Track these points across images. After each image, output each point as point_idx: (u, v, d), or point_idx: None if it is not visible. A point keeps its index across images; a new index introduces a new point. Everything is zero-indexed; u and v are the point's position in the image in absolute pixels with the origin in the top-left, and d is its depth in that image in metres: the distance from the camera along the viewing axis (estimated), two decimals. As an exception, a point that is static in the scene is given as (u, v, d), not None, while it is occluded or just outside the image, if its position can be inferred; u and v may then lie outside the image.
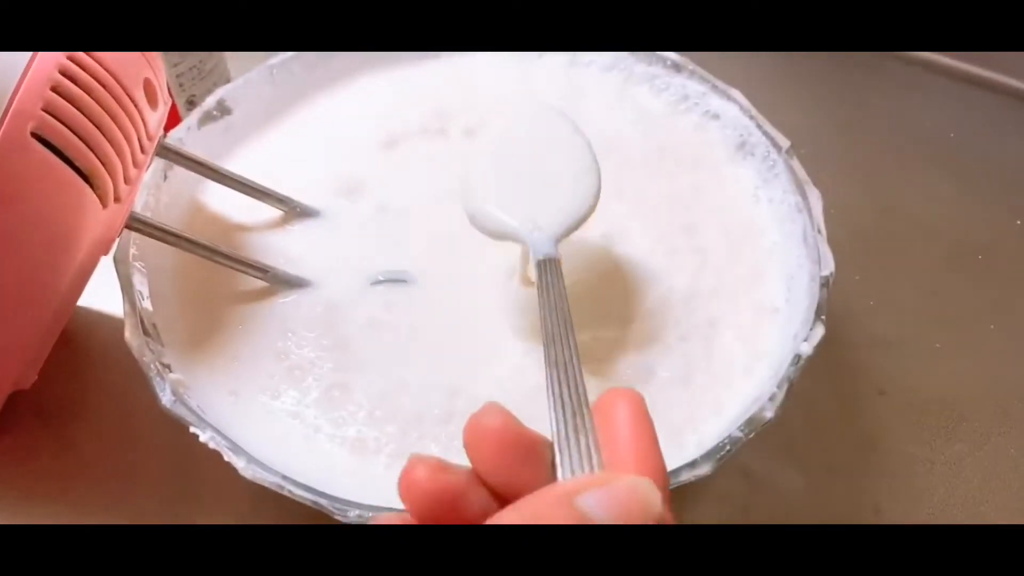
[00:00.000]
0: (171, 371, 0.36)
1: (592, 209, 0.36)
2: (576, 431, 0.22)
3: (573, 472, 0.21)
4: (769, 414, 0.33)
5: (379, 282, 0.41)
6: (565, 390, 0.24)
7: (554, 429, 0.22)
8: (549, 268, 0.32)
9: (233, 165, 0.44)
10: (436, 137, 0.46)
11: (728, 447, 0.32)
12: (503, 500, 0.21)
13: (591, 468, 0.21)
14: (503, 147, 0.37)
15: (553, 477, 0.21)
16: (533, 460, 0.21)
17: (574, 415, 0.23)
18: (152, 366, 0.35)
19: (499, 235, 0.35)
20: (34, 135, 0.30)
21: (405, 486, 0.21)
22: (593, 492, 0.19)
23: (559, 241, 0.34)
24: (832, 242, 0.38)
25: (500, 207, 0.35)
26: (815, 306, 0.36)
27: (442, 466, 0.21)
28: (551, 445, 0.22)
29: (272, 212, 0.43)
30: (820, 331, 0.35)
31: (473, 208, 0.36)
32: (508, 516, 0.19)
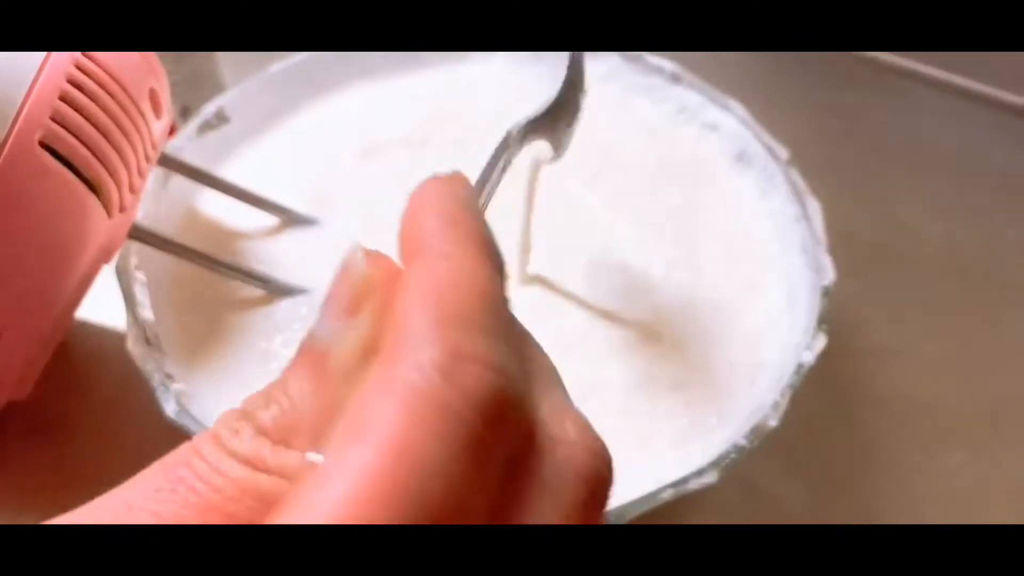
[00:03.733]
0: (174, 381, 0.35)
1: None
2: None
3: None
4: (773, 423, 0.34)
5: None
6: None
7: None
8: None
9: (230, 172, 0.44)
10: (432, 146, 0.47)
11: (734, 455, 0.33)
12: None
13: None
14: None
15: None
16: None
17: None
18: (155, 376, 0.35)
19: None
20: (42, 144, 0.30)
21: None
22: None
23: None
24: (830, 253, 0.39)
25: None
26: (816, 315, 0.36)
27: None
28: None
29: (269, 219, 0.43)
30: (822, 340, 0.36)
31: None
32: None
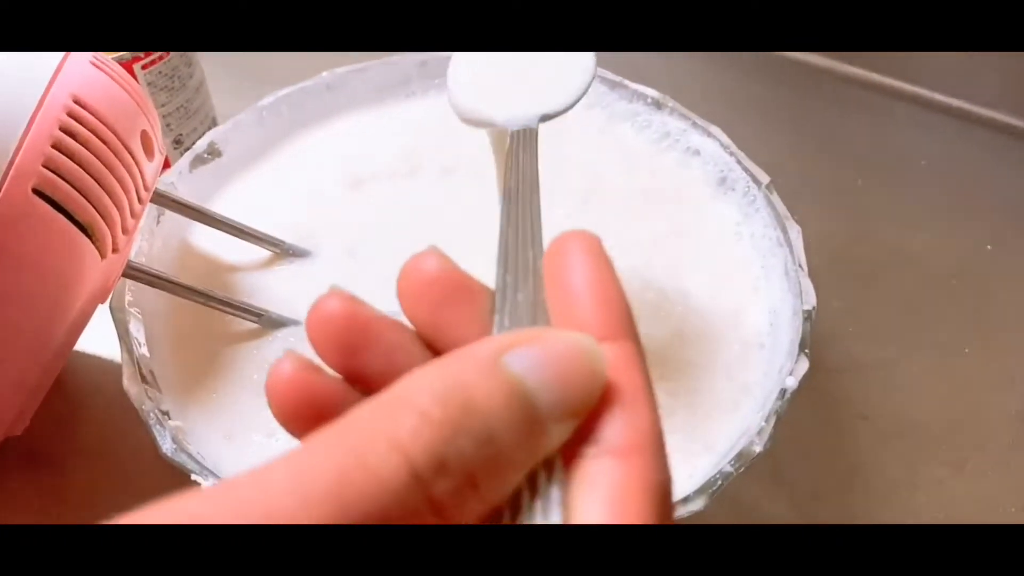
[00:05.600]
0: (169, 418, 0.36)
1: (582, 89, 0.34)
2: (520, 279, 0.19)
3: (510, 325, 0.18)
4: (758, 448, 0.34)
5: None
6: (515, 239, 0.21)
7: (497, 277, 0.20)
8: (524, 137, 0.29)
9: (222, 205, 0.45)
10: (419, 176, 0.47)
11: (720, 482, 0.33)
12: (436, 354, 0.19)
13: (532, 321, 0.18)
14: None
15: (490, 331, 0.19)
16: (470, 308, 0.19)
17: (520, 262, 0.20)
18: (152, 414, 0.35)
19: (480, 116, 0.34)
20: (35, 191, 0.31)
21: (272, 381, 0.19)
22: (523, 350, 0.17)
23: (542, 120, 0.32)
24: (812, 271, 0.39)
25: (481, 89, 0.34)
26: (799, 340, 0.37)
27: (313, 366, 0.19)
28: (493, 295, 0.19)
29: (263, 252, 0.44)
30: (804, 364, 0.36)
31: (455, 91, 0.35)
32: (423, 379, 0.16)
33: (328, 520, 0.14)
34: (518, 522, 0.16)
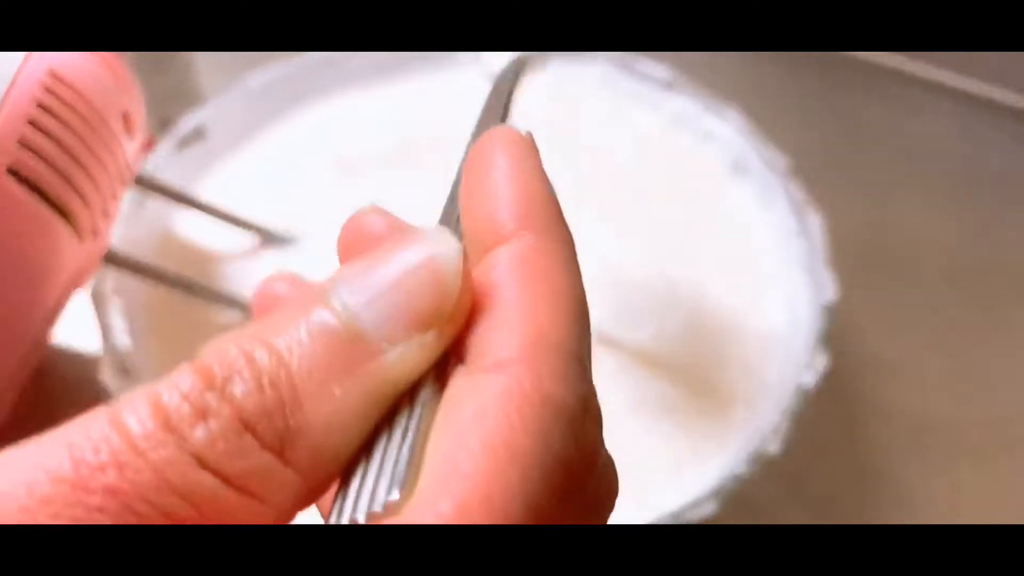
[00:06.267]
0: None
1: None
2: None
3: None
4: (774, 448, 0.33)
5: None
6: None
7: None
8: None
9: (208, 189, 0.43)
10: (411, 161, 0.45)
11: (732, 484, 0.32)
12: None
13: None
14: None
15: None
16: None
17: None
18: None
19: None
20: (9, 171, 0.29)
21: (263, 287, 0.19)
22: (356, 273, 0.14)
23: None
24: (831, 263, 0.38)
25: None
26: (817, 334, 0.35)
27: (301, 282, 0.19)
28: None
29: (247, 239, 0.42)
30: (823, 360, 0.35)
31: None
32: (251, 336, 0.14)
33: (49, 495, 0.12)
34: (369, 471, 0.13)
